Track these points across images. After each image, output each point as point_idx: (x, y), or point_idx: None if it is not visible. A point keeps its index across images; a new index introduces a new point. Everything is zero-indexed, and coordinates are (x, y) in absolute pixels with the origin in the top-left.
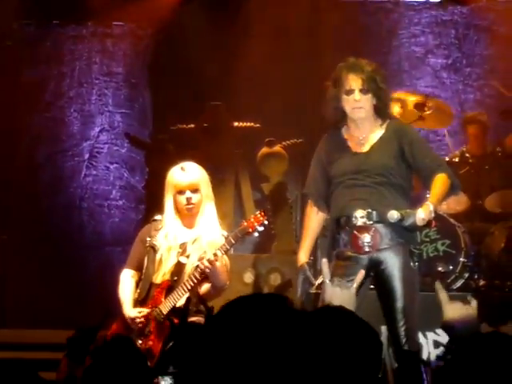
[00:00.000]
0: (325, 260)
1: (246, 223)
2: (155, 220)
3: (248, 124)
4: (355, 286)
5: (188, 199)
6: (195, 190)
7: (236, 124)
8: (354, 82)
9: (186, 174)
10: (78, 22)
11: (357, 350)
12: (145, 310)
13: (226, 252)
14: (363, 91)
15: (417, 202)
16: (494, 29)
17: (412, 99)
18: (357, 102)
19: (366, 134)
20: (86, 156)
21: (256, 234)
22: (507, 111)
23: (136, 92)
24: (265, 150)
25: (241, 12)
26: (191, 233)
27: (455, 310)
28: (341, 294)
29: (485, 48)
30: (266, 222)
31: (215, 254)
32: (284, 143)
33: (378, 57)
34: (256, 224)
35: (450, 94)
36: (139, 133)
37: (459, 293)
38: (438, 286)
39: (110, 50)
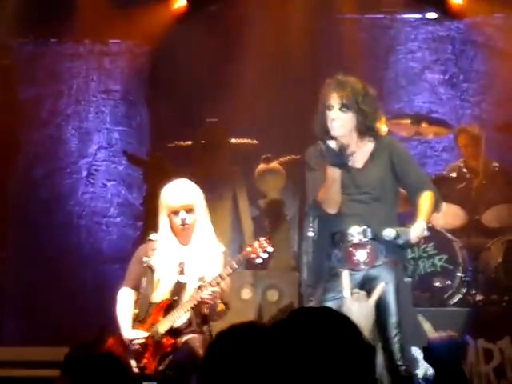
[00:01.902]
0: (346, 272)
1: (250, 249)
2: (150, 240)
3: (245, 140)
4: (374, 299)
5: (183, 220)
6: (189, 211)
7: (233, 141)
8: (333, 99)
9: (180, 194)
10: (75, 40)
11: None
12: (144, 334)
13: (228, 276)
14: (342, 109)
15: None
16: (491, 44)
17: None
18: (333, 120)
19: (352, 150)
20: (84, 173)
21: (259, 261)
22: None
23: (134, 109)
24: (262, 166)
25: (238, 28)
26: (188, 250)
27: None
28: (359, 307)
29: (482, 63)
30: (270, 250)
31: (219, 284)
32: (281, 159)
33: (375, 73)
34: (260, 250)
35: (448, 110)
36: (137, 150)
37: (457, 308)
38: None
39: (108, 68)
